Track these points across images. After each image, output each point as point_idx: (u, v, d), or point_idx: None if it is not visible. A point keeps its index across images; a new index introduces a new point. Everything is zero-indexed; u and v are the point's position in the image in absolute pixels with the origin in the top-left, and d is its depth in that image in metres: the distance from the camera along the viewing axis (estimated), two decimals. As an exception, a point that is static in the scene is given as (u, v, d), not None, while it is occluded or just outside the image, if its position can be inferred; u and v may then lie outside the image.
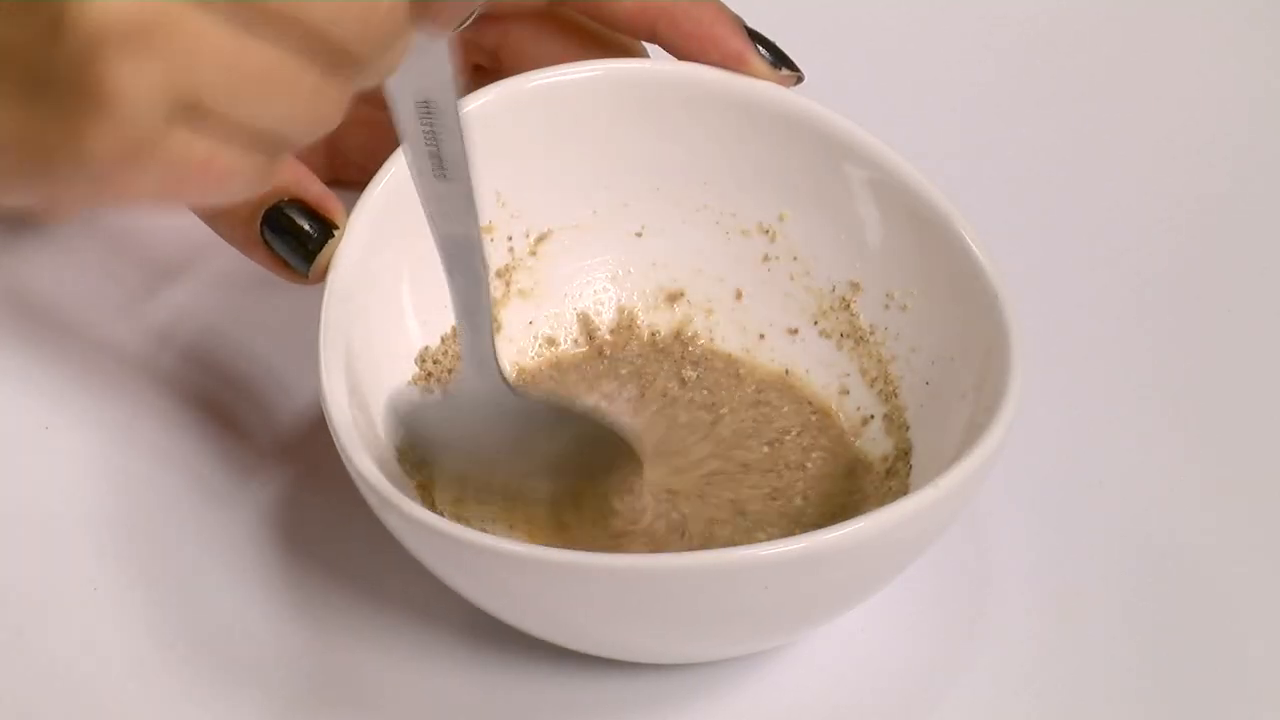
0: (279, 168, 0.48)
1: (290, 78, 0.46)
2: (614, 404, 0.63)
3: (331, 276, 0.58)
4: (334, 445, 0.55)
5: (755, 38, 0.62)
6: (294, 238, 0.59)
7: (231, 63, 0.45)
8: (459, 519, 0.57)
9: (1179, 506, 0.63)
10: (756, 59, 0.62)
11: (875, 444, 0.61)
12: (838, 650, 0.59)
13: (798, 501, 0.60)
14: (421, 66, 0.51)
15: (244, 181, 0.47)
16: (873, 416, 0.62)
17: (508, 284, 0.63)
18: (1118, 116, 0.76)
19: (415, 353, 0.61)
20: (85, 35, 0.44)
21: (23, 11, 0.44)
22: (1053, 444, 0.63)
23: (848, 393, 0.63)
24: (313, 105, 0.47)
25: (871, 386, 0.62)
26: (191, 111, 0.45)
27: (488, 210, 0.63)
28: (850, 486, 0.60)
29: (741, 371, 0.64)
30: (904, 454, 0.60)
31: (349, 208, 0.60)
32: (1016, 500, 0.62)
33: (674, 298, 0.65)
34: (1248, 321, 0.68)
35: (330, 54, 0.46)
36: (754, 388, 0.63)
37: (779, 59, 0.62)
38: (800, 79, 0.63)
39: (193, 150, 0.46)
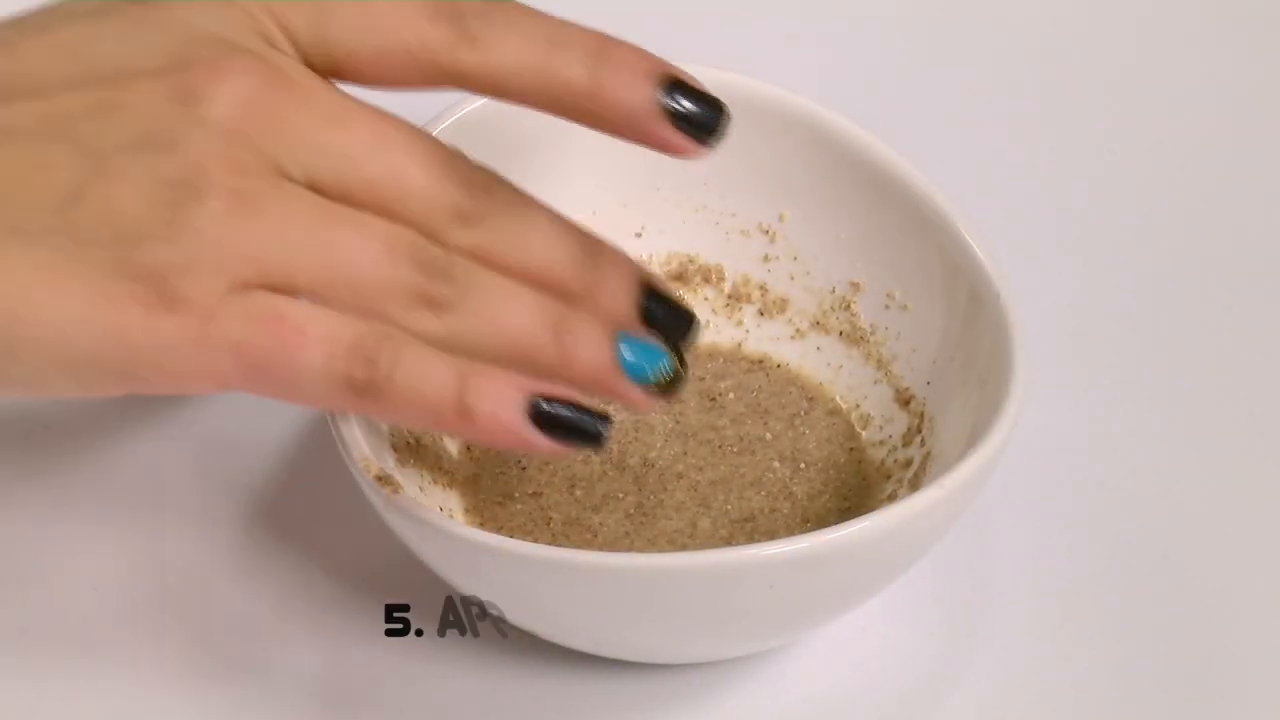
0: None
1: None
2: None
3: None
4: (336, 440, 0.55)
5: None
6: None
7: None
8: None
9: (1179, 506, 0.63)
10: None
11: (877, 444, 0.61)
12: (838, 650, 0.59)
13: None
14: None
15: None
16: (874, 417, 0.62)
17: (507, 283, 0.63)
18: (1118, 116, 0.76)
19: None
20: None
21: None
22: (1054, 444, 0.63)
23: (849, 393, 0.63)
24: None
25: (873, 387, 0.62)
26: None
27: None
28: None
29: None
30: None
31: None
32: (1017, 500, 0.62)
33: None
34: (1248, 321, 0.69)
35: None
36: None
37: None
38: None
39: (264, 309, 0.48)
